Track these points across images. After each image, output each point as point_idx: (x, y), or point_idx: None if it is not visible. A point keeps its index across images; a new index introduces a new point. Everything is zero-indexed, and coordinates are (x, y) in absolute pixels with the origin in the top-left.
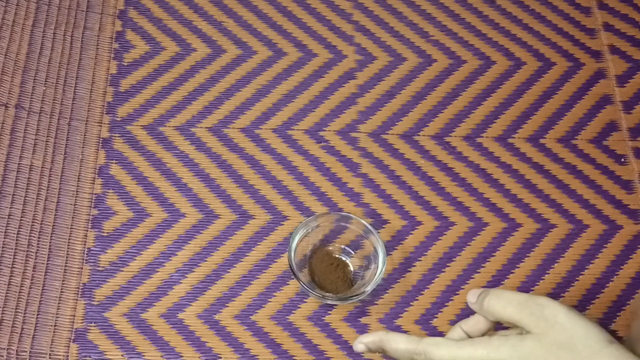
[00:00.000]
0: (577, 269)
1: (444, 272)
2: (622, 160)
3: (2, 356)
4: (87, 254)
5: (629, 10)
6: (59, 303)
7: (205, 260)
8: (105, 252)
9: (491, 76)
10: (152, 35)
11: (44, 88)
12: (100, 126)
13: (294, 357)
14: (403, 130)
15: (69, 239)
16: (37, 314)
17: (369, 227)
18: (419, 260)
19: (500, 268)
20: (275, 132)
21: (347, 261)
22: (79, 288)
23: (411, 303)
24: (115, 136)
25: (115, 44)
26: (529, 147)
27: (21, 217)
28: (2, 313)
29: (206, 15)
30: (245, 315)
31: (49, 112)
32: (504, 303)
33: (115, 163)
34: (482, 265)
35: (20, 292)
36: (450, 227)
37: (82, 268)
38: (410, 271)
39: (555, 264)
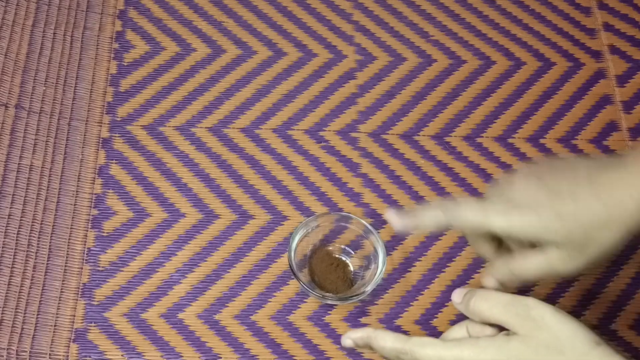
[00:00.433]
0: None
1: (444, 272)
2: None
3: (2, 356)
4: (87, 254)
5: (629, 10)
6: (59, 303)
7: (205, 260)
8: (105, 252)
9: (491, 76)
10: (152, 35)
11: (44, 88)
12: (100, 126)
13: (294, 357)
14: (403, 130)
15: (69, 239)
16: (37, 314)
17: (369, 227)
18: (419, 260)
19: None
20: (275, 132)
21: (347, 261)
22: (79, 288)
23: (411, 303)
24: (115, 136)
25: (115, 44)
26: (529, 147)
27: (21, 217)
28: (2, 313)
29: (206, 15)
30: (245, 315)
31: (49, 112)
32: (490, 304)
33: (115, 163)
34: (482, 265)
35: (20, 292)
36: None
37: (82, 268)
38: (410, 271)
39: None
